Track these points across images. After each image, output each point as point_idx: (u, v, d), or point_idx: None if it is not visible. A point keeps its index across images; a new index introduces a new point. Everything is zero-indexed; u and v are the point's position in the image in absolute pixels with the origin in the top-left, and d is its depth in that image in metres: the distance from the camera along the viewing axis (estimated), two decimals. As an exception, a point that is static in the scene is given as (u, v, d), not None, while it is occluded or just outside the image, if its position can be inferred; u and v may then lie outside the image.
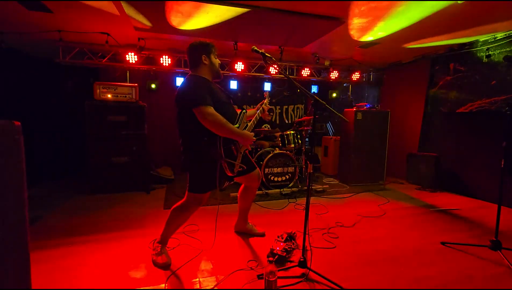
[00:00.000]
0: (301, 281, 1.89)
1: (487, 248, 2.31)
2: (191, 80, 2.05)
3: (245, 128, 2.19)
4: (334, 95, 6.50)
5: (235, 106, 2.36)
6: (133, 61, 4.42)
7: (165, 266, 2.08)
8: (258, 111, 2.39)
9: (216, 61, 2.17)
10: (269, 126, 4.90)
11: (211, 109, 1.90)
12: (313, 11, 3.11)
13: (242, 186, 2.53)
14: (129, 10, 3.08)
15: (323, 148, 5.96)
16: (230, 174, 2.09)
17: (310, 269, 1.94)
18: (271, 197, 3.95)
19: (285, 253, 2.16)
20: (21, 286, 0.97)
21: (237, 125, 2.11)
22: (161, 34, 3.95)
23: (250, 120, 2.29)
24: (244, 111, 2.22)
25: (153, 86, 5.22)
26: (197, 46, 2.11)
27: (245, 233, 2.67)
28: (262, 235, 2.63)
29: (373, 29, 3.60)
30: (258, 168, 2.44)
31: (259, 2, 2.93)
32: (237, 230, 2.72)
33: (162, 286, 1.84)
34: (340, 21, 3.31)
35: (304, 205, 1.96)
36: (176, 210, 2.13)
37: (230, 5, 2.93)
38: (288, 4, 2.96)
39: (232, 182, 4.27)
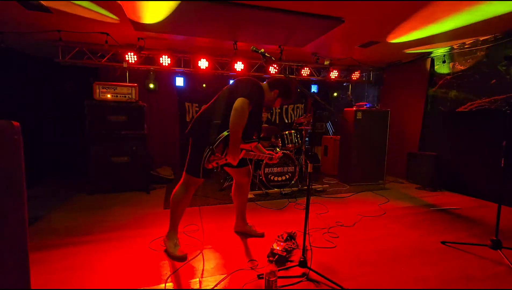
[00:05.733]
0: (301, 281, 1.89)
1: (487, 247, 2.30)
2: (260, 86, 2.25)
3: (247, 151, 2.30)
4: (334, 94, 6.50)
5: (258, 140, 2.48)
6: (133, 61, 4.41)
7: (182, 258, 2.17)
8: (267, 155, 2.47)
9: (278, 104, 2.38)
10: (268, 126, 4.89)
11: (248, 109, 2.04)
12: (313, 10, 3.11)
13: (234, 183, 2.57)
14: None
15: (323, 148, 5.96)
16: (207, 166, 2.12)
17: (310, 269, 1.94)
18: (271, 197, 3.95)
19: (285, 253, 2.16)
20: (21, 286, 0.97)
21: (245, 142, 2.22)
22: (160, 34, 3.94)
23: (252, 151, 2.38)
24: (258, 141, 2.36)
25: (152, 86, 5.20)
26: (283, 84, 2.33)
27: (244, 233, 2.67)
28: (262, 235, 2.62)
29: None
30: (250, 166, 2.52)
31: (259, 2, 2.92)
32: (236, 230, 2.72)
33: (162, 286, 1.83)
34: (340, 20, 3.31)
35: (304, 205, 1.96)
36: (176, 195, 2.24)
37: (230, 5, 2.93)
38: (288, 4, 2.96)
39: (231, 182, 4.28)
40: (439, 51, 4.61)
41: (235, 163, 2.15)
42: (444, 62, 4.54)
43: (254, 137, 2.35)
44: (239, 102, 2.00)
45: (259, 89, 2.21)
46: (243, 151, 2.24)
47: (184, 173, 2.23)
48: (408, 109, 5.28)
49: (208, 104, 2.28)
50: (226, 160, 2.15)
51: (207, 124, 2.14)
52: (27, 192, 0.98)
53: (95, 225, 2.86)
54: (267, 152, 2.50)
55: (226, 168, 2.45)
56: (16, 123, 0.94)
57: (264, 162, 4.01)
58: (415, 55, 4.99)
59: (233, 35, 4.01)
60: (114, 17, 3.31)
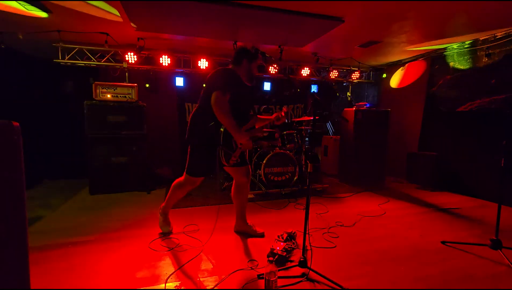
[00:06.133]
0: (301, 281, 1.89)
1: (487, 247, 2.30)
2: (226, 70, 2.29)
3: (249, 130, 2.31)
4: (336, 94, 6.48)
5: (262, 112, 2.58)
6: (133, 61, 4.41)
7: (166, 233, 2.60)
8: (273, 118, 2.49)
9: (255, 69, 2.38)
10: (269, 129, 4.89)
11: (224, 97, 2.10)
12: (313, 10, 3.11)
13: (234, 184, 2.60)
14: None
15: (323, 148, 5.96)
16: (224, 163, 2.28)
17: (310, 269, 1.94)
18: (271, 197, 3.95)
19: (285, 253, 2.16)
20: (20, 286, 0.97)
21: (243, 123, 2.28)
22: (160, 34, 3.94)
23: (256, 125, 2.42)
24: (254, 115, 2.41)
25: (150, 86, 5.19)
26: (244, 51, 2.35)
27: (244, 233, 2.67)
28: (262, 235, 2.63)
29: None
30: (249, 165, 2.56)
31: (259, 2, 2.92)
32: (236, 230, 2.72)
33: (162, 286, 1.83)
34: (340, 20, 3.31)
35: (304, 205, 1.96)
36: (175, 186, 2.49)
37: (231, 5, 2.93)
38: (287, 4, 2.96)
39: (231, 182, 4.28)
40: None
41: (250, 146, 2.23)
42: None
43: (252, 114, 2.43)
44: (213, 97, 2.09)
45: (228, 74, 2.25)
46: (248, 132, 2.27)
47: (184, 173, 2.40)
48: (408, 109, 5.28)
49: (196, 107, 2.35)
50: (240, 149, 2.23)
51: (204, 128, 2.23)
52: (27, 192, 0.99)
53: (95, 225, 2.86)
54: (272, 116, 2.51)
55: (225, 168, 2.48)
56: (15, 123, 0.94)
57: (265, 161, 4.00)
58: (414, 55, 4.99)
59: (233, 35, 4.01)
60: (117, 13, 3.28)
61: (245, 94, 2.37)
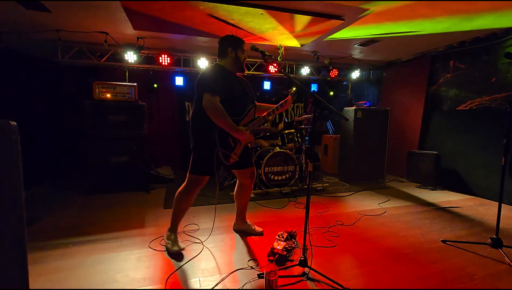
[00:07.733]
0: (302, 280, 1.88)
1: (487, 246, 2.30)
2: (211, 69, 2.21)
3: (251, 121, 2.26)
4: (331, 93, 6.48)
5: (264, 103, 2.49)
6: (132, 61, 4.41)
7: (178, 254, 2.23)
8: (278, 105, 2.29)
9: (242, 56, 2.31)
10: (269, 125, 4.88)
11: (214, 98, 2.04)
12: (313, 9, 3.10)
13: (237, 184, 2.58)
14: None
15: (323, 147, 5.95)
16: (225, 163, 2.22)
17: (310, 268, 1.93)
18: (271, 196, 3.94)
19: (285, 252, 2.16)
20: (19, 286, 0.97)
21: (241, 117, 2.21)
22: (160, 33, 3.93)
23: (261, 115, 2.29)
24: (252, 106, 2.29)
25: (155, 85, 5.21)
26: (227, 39, 2.30)
27: (243, 232, 2.66)
28: (261, 234, 2.63)
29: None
30: (254, 167, 2.51)
31: (259, 1, 2.91)
32: (235, 229, 2.72)
33: (162, 286, 1.83)
34: (340, 19, 3.30)
35: (305, 204, 1.96)
36: (179, 194, 2.30)
37: (232, 5, 2.93)
38: (288, 3, 2.95)
39: (232, 181, 4.28)
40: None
41: (252, 139, 2.22)
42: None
43: (250, 105, 2.27)
44: (204, 100, 2.04)
45: (214, 72, 2.17)
46: (249, 125, 2.23)
47: (188, 174, 2.27)
48: (408, 107, 5.27)
49: (193, 108, 2.30)
50: (241, 145, 2.23)
51: (201, 129, 2.20)
52: (27, 192, 0.98)
53: (95, 225, 2.86)
54: (276, 105, 2.30)
55: (233, 171, 2.47)
56: (13, 123, 0.94)
57: (265, 160, 4.00)
58: (414, 53, 4.98)
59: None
60: None
61: (236, 87, 2.25)
